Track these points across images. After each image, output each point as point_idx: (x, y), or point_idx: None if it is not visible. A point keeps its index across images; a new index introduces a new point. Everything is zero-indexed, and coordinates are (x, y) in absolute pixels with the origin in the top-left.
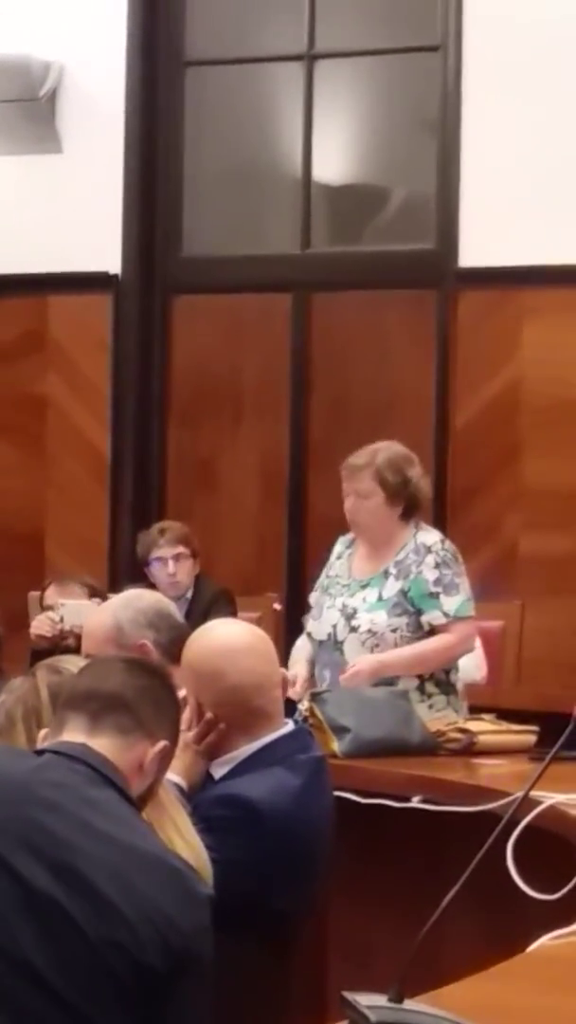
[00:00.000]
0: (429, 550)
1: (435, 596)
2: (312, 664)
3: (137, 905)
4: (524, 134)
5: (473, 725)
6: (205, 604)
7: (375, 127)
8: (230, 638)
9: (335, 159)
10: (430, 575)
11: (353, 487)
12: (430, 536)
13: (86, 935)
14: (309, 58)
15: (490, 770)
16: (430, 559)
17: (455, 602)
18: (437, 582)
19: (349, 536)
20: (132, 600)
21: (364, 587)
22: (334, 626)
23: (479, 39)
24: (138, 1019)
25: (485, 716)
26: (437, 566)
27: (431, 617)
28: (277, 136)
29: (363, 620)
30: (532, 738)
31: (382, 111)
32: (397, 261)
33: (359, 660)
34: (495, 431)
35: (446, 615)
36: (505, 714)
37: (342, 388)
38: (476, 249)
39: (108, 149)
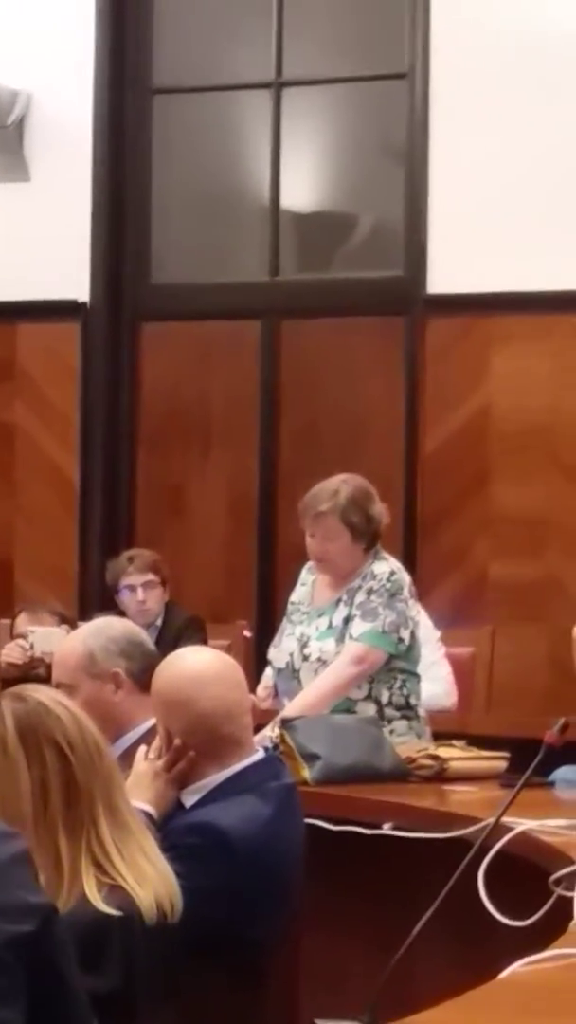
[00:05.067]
0: (374, 577)
1: (352, 619)
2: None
3: None
4: (491, 161)
5: (444, 751)
6: (175, 632)
7: (343, 154)
8: (199, 666)
9: (303, 186)
10: (358, 599)
11: (319, 530)
12: (382, 565)
13: None
14: (277, 86)
15: (461, 796)
16: (367, 586)
17: (364, 626)
18: (359, 606)
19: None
20: (104, 628)
21: (320, 615)
22: (291, 654)
23: (446, 67)
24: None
25: (456, 742)
26: (368, 592)
27: (345, 639)
28: (245, 163)
29: (313, 648)
30: (503, 764)
31: (350, 138)
32: (366, 288)
33: None
34: (464, 457)
35: (350, 636)
36: (475, 740)
37: (311, 415)
38: (444, 276)
39: (76, 177)
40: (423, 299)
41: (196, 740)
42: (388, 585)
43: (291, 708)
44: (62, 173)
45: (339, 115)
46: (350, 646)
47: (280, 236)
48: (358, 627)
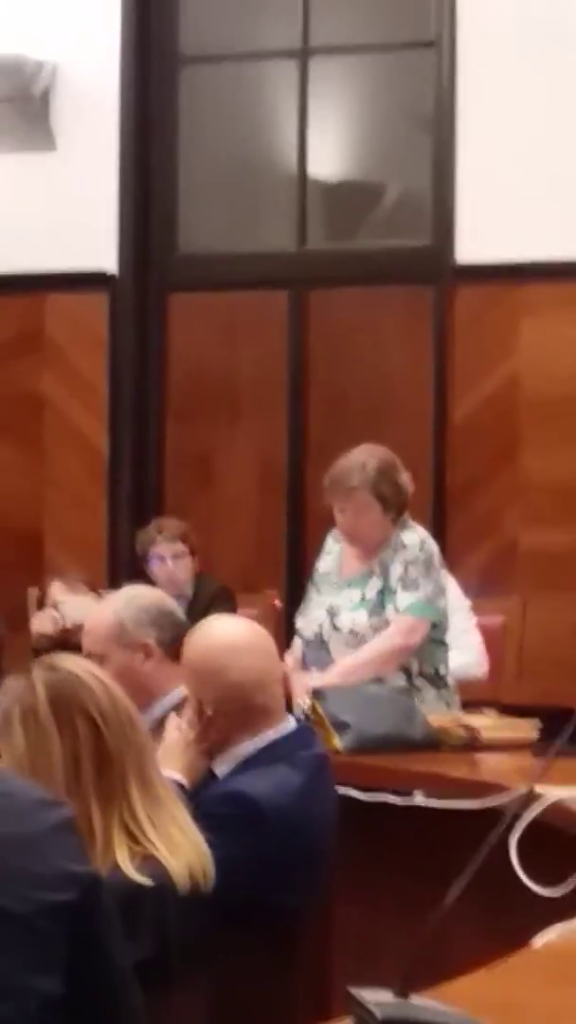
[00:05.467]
0: (405, 547)
1: (393, 592)
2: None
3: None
4: (519, 129)
5: (475, 720)
6: (205, 602)
7: (370, 123)
8: (230, 635)
9: (330, 155)
10: (396, 571)
11: (350, 505)
12: (411, 535)
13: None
14: (304, 54)
15: (493, 765)
16: (401, 556)
17: (409, 598)
18: (399, 578)
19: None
20: (134, 598)
21: (349, 586)
22: (320, 624)
23: (473, 35)
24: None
25: (487, 711)
26: (404, 563)
27: (388, 612)
28: (272, 133)
29: (345, 620)
30: (534, 733)
31: (377, 107)
32: (394, 257)
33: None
34: (493, 427)
35: (396, 610)
36: (506, 709)
37: (339, 384)
38: (473, 245)
39: (103, 147)
40: (451, 268)
41: (228, 710)
42: (422, 555)
43: (337, 673)
44: (89, 143)
45: (366, 83)
46: (400, 619)
47: (307, 205)
48: (403, 599)
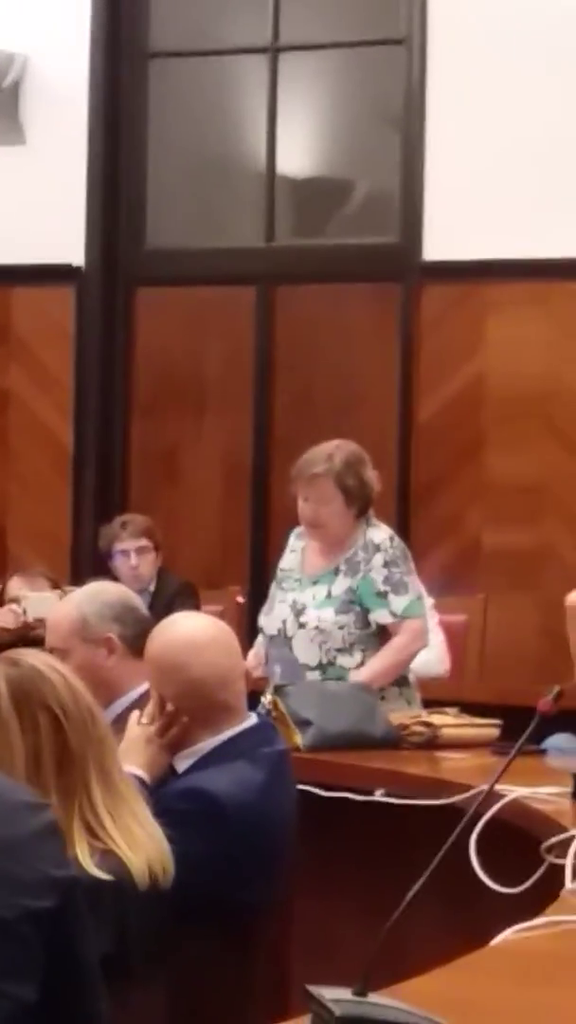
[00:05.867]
0: (378, 548)
1: (383, 595)
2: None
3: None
4: (488, 128)
5: (436, 719)
6: (168, 597)
7: (339, 120)
8: (193, 631)
9: (299, 152)
10: (379, 574)
11: (313, 493)
12: (379, 533)
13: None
14: (273, 51)
15: (453, 763)
16: (379, 557)
17: (403, 601)
18: (386, 580)
19: (301, 528)
20: (97, 593)
21: (315, 583)
22: (284, 621)
23: (443, 33)
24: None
25: (448, 710)
26: (386, 564)
27: (379, 616)
28: (241, 128)
29: (311, 617)
30: (495, 732)
31: (346, 104)
32: (361, 254)
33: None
34: (458, 425)
35: (394, 615)
36: (468, 708)
37: (306, 381)
38: (440, 243)
39: (72, 140)
40: (419, 266)
41: (189, 705)
42: (398, 552)
43: (361, 675)
44: (58, 136)
45: (336, 80)
46: (406, 624)
47: (275, 201)
48: (399, 603)
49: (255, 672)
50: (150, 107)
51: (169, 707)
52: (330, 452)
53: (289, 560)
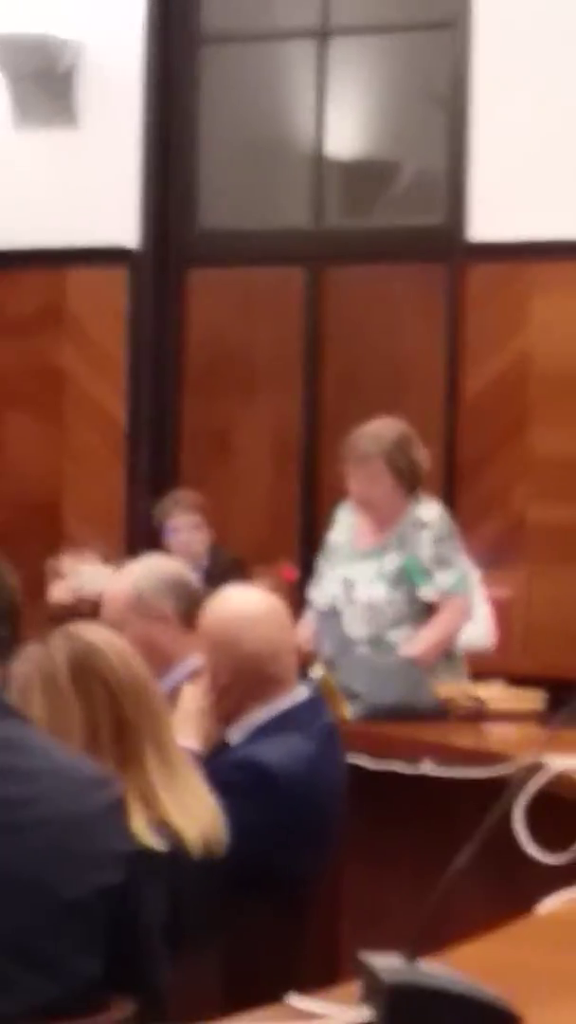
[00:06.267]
0: (425, 525)
1: (430, 572)
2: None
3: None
4: (533, 110)
5: (482, 691)
6: (219, 573)
7: (387, 102)
8: (246, 606)
9: (347, 134)
10: (426, 551)
11: (362, 472)
12: (428, 511)
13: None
14: (323, 34)
15: (499, 735)
16: (426, 534)
17: (450, 578)
18: (432, 558)
19: (350, 503)
20: (152, 568)
21: (365, 559)
22: (334, 596)
23: (489, 15)
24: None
25: (494, 682)
26: (433, 542)
27: (425, 592)
28: (291, 111)
29: (362, 593)
30: (540, 704)
31: (393, 86)
32: (408, 235)
33: None
34: (504, 403)
35: (440, 591)
36: (513, 680)
37: (354, 360)
38: (485, 223)
39: (125, 124)
40: (464, 246)
41: (241, 679)
42: (446, 529)
43: (408, 651)
44: (111, 120)
45: (383, 63)
46: (451, 600)
47: (324, 183)
48: (445, 579)
49: (305, 646)
50: (201, 91)
51: (222, 680)
52: (379, 432)
53: (338, 534)
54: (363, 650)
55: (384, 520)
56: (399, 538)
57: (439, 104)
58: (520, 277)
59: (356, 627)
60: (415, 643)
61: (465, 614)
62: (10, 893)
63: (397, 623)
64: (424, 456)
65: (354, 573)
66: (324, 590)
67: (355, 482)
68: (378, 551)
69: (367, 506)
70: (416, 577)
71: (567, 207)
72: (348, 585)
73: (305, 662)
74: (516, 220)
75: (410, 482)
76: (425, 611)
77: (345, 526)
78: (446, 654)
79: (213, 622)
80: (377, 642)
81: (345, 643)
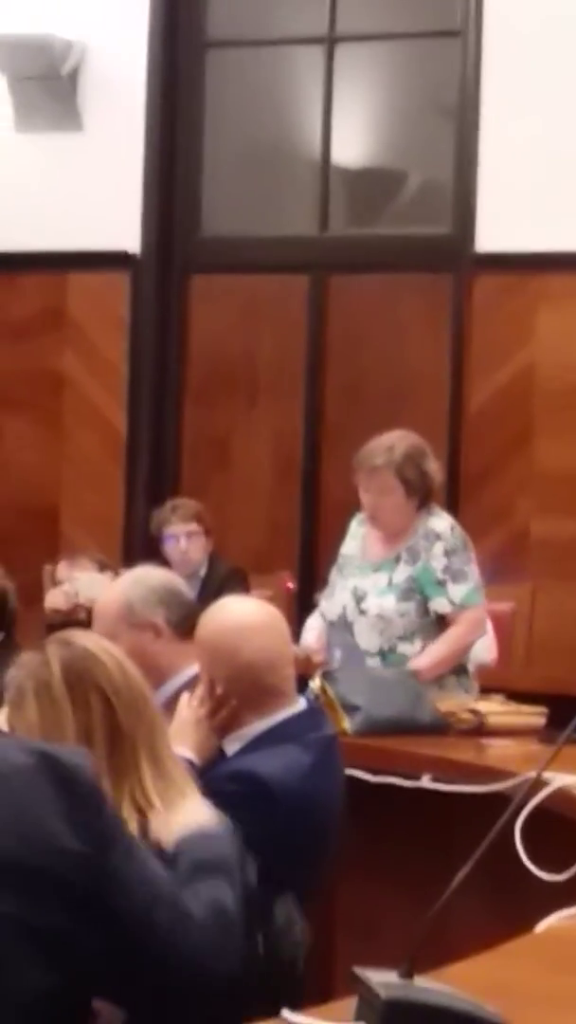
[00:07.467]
0: (439, 537)
1: (443, 584)
2: (321, 637)
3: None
4: (541, 120)
5: (483, 706)
6: (218, 582)
7: (394, 111)
8: (244, 616)
9: (354, 142)
10: (438, 563)
11: (373, 484)
12: (440, 522)
13: None
14: (330, 41)
15: (499, 751)
16: (439, 546)
17: (462, 590)
18: (445, 570)
19: (363, 514)
20: (142, 578)
21: (376, 571)
22: (344, 607)
23: (499, 25)
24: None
25: (494, 697)
26: (446, 553)
27: (438, 605)
28: (296, 118)
29: (372, 604)
30: (541, 720)
31: (401, 95)
32: (414, 245)
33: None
34: (508, 415)
35: (453, 604)
36: (514, 695)
37: (357, 370)
38: (492, 234)
39: (128, 128)
40: (471, 256)
41: (239, 689)
42: (459, 541)
43: (419, 663)
44: (115, 124)
45: (391, 71)
46: (465, 614)
47: (330, 191)
48: (458, 592)
49: (316, 657)
50: (207, 96)
51: (219, 690)
52: (391, 444)
53: (350, 546)
54: (373, 662)
55: (395, 532)
56: (410, 550)
57: (447, 113)
58: (526, 289)
59: (367, 639)
60: (425, 655)
61: (478, 627)
62: None
63: (408, 635)
64: (436, 468)
65: (365, 584)
66: (335, 601)
67: (366, 494)
68: (389, 562)
69: (378, 518)
70: (428, 589)
71: (575, 219)
72: (358, 596)
73: (306, 674)
74: (523, 231)
75: (422, 494)
76: (437, 623)
77: (358, 538)
78: (457, 668)
79: (211, 632)
80: (388, 654)
81: (356, 654)
